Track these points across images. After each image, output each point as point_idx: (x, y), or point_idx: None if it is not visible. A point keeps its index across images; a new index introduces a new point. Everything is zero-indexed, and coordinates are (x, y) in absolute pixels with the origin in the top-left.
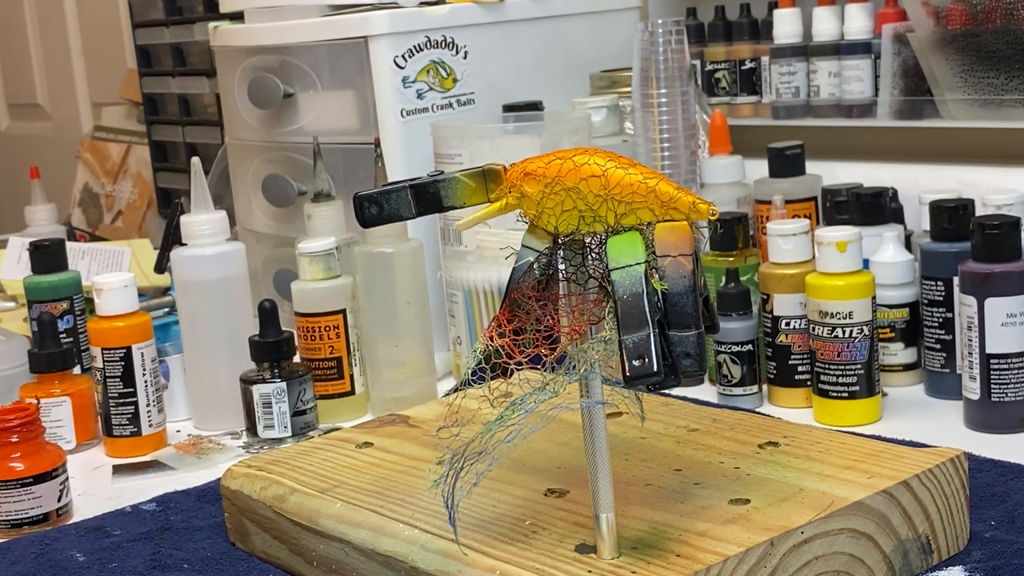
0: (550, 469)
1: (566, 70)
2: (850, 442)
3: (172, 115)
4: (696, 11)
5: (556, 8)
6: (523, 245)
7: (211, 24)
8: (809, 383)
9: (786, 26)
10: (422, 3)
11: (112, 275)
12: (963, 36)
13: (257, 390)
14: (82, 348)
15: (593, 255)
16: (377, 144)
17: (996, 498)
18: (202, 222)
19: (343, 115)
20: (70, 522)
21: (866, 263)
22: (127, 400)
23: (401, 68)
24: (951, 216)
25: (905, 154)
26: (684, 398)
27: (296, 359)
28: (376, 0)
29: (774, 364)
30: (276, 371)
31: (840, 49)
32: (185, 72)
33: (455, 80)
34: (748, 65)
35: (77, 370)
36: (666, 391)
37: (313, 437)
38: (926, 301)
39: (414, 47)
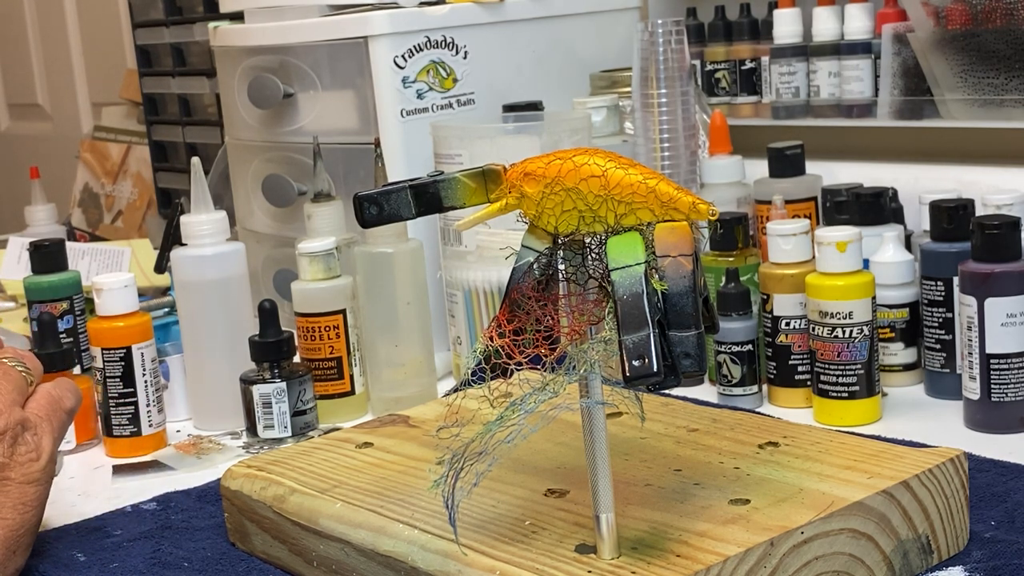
0: (550, 469)
1: (566, 70)
2: (850, 442)
3: (172, 115)
4: (696, 11)
5: (556, 8)
6: (523, 245)
7: (211, 24)
8: (809, 383)
9: (786, 26)
10: (422, 3)
11: (112, 275)
12: (963, 36)
13: (257, 390)
14: (82, 348)
15: (593, 255)
16: (377, 144)
17: (996, 498)
18: (202, 222)
19: (343, 115)
20: (70, 522)
21: (866, 263)
22: (127, 400)
23: (401, 68)
24: (951, 216)
25: (905, 154)
26: (684, 398)
27: (296, 359)
28: (376, 0)
29: (774, 364)
30: (276, 371)
31: (840, 49)
32: (185, 72)
33: (455, 80)
34: (748, 65)
35: (77, 370)
36: (666, 391)
37: (313, 437)
38: (926, 301)
39: (414, 47)
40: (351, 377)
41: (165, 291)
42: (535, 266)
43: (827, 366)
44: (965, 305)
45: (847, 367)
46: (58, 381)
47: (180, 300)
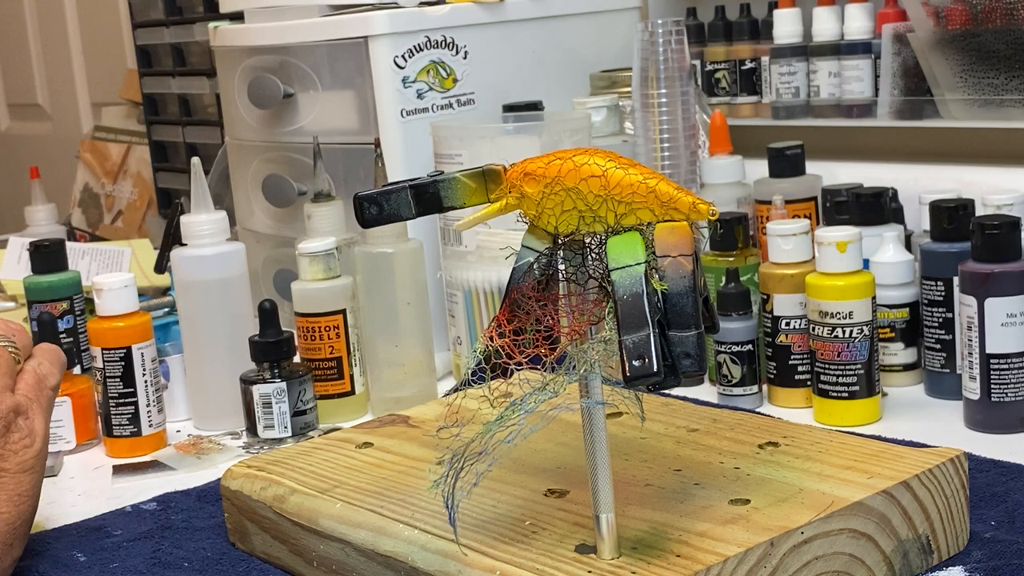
0: (550, 469)
1: (566, 70)
2: (850, 442)
3: (172, 115)
4: (696, 11)
5: (556, 8)
6: (523, 245)
7: (211, 24)
8: (809, 383)
9: (786, 26)
10: (422, 3)
11: (112, 275)
12: (963, 36)
13: (257, 390)
14: (82, 348)
15: (593, 255)
16: (377, 144)
17: (996, 498)
18: (202, 222)
19: (343, 115)
20: (70, 522)
21: (866, 263)
22: (127, 400)
23: (401, 68)
24: (951, 216)
25: (905, 154)
26: (684, 398)
27: (296, 359)
28: (376, 0)
29: (774, 364)
30: (276, 371)
31: (840, 49)
32: (185, 72)
33: (455, 80)
34: (748, 65)
35: (77, 370)
36: (666, 391)
37: (313, 437)
38: (926, 301)
39: (414, 47)
40: (351, 377)
41: (165, 291)
42: (535, 266)
43: (827, 366)
44: (965, 305)
45: (847, 367)
46: (40, 353)
47: (180, 300)
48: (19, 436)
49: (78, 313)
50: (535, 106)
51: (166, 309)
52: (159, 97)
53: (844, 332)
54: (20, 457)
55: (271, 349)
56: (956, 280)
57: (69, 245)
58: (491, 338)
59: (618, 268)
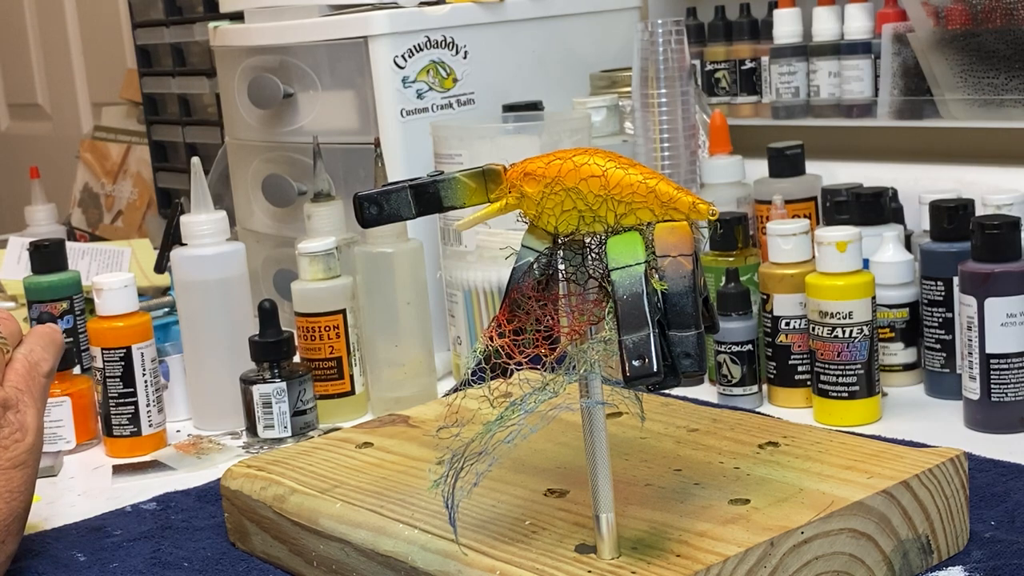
0: (550, 469)
1: (566, 70)
2: (850, 442)
3: (172, 115)
4: (696, 11)
5: (556, 8)
6: (523, 245)
7: (211, 24)
8: (809, 383)
9: (786, 26)
10: (422, 3)
11: (112, 275)
12: (963, 36)
13: (257, 390)
14: (82, 348)
15: (593, 255)
16: (377, 144)
17: (996, 498)
18: (202, 222)
19: (343, 115)
20: (70, 522)
21: (866, 263)
22: (127, 400)
23: (401, 68)
24: (951, 216)
25: (905, 154)
26: (684, 398)
27: (296, 359)
28: (376, 0)
29: (774, 364)
30: (276, 371)
31: (840, 49)
32: (185, 72)
33: (455, 80)
34: (748, 65)
35: (77, 370)
36: (666, 391)
37: (313, 437)
38: (926, 301)
39: (414, 47)
40: (351, 377)
41: (165, 291)
42: (535, 266)
43: (827, 366)
44: (965, 305)
45: (847, 367)
46: (32, 337)
47: (180, 300)
48: (8, 431)
49: (78, 313)
50: (535, 106)
51: (166, 309)
52: (159, 97)
53: (844, 332)
54: (10, 453)
55: (271, 349)
56: (956, 280)
57: (69, 245)
58: (491, 338)
59: (618, 268)
